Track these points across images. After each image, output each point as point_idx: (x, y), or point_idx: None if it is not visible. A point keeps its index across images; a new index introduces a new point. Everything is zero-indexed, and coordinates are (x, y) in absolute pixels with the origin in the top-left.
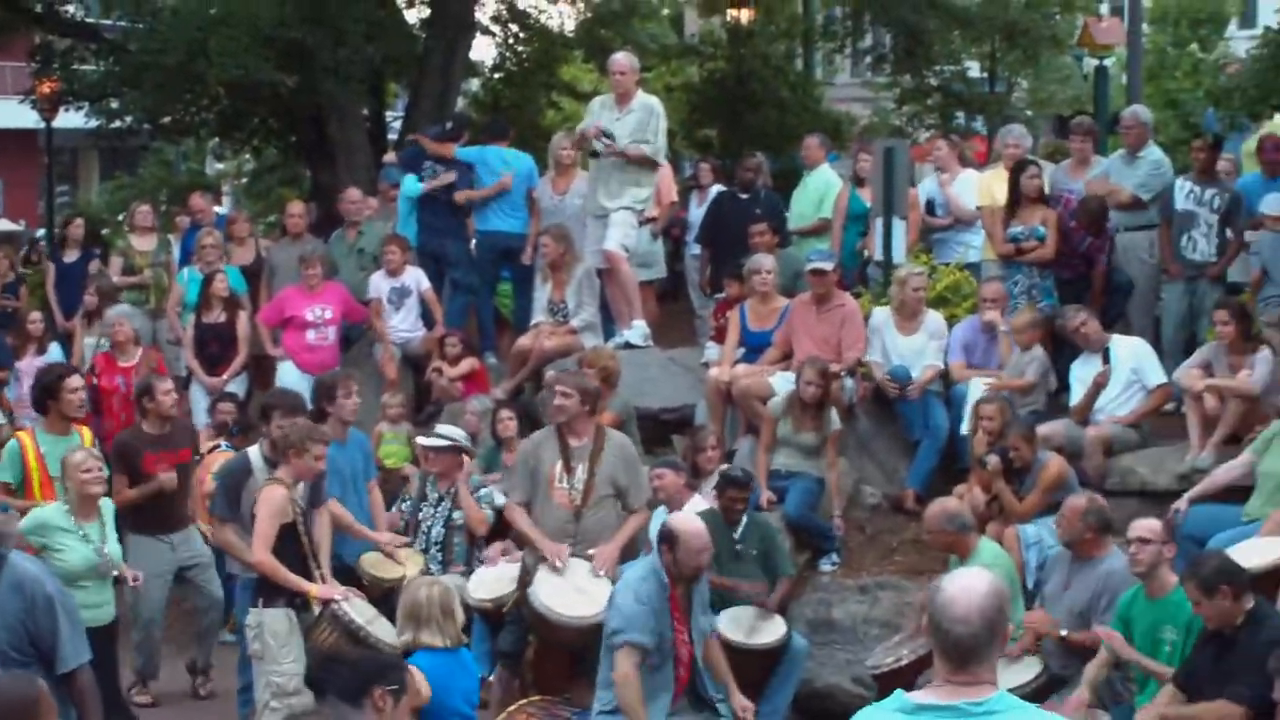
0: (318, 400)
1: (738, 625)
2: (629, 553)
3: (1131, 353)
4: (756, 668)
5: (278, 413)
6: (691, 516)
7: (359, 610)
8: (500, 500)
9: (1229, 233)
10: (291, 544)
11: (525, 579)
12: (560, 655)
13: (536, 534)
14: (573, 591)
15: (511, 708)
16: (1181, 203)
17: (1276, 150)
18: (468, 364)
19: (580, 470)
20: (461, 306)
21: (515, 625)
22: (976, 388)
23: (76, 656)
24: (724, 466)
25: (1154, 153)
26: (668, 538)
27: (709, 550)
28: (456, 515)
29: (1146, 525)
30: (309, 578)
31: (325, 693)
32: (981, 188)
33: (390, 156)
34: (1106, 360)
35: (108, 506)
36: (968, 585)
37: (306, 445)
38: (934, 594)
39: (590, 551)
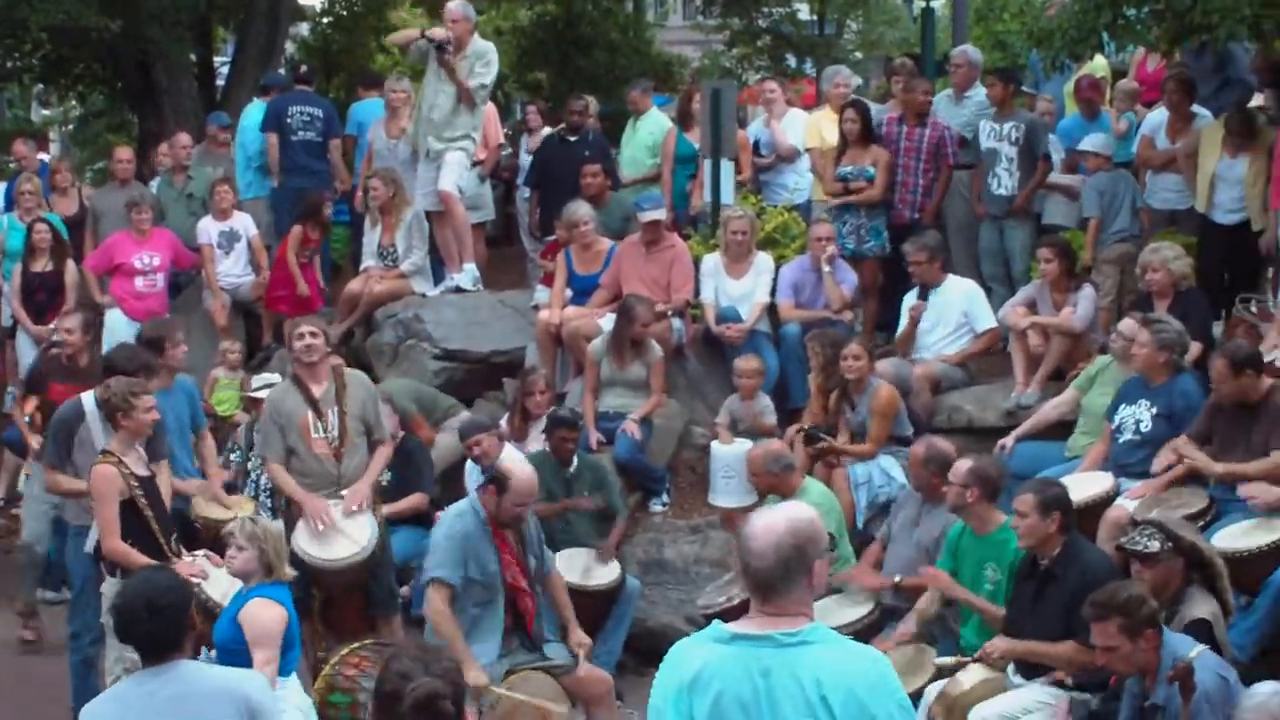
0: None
1: (572, 567)
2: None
3: (963, 295)
4: (591, 609)
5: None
6: (524, 460)
7: (215, 585)
8: None
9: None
10: (134, 520)
11: (290, 528)
12: (345, 600)
13: (301, 494)
14: (333, 533)
15: (343, 651)
16: (985, 142)
17: (1092, 89)
18: None
19: (332, 414)
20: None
21: (299, 577)
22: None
23: None
24: (554, 409)
25: (980, 93)
26: (498, 479)
27: (533, 498)
28: None
29: (955, 468)
30: (159, 552)
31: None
32: (810, 128)
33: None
34: (924, 296)
35: None
36: (769, 522)
37: (130, 401)
38: (741, 530)
39: (343, 493)
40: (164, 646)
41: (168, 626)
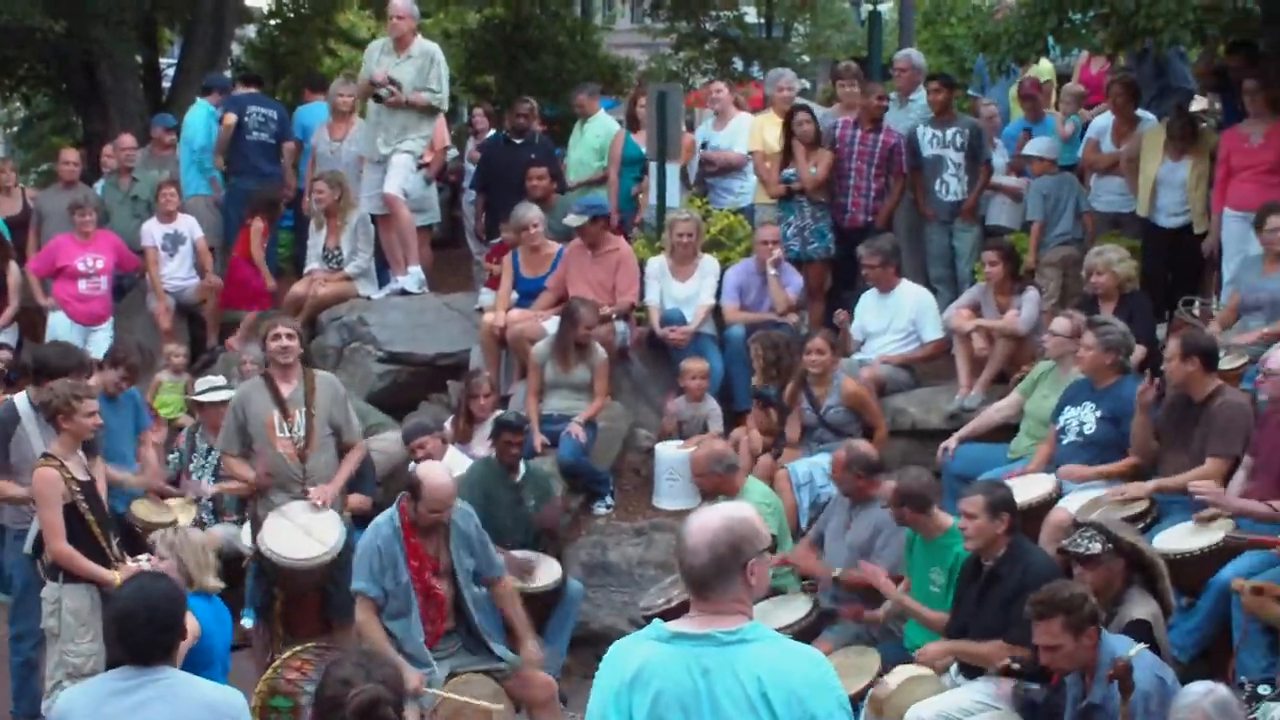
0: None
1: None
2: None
3: (914, 302)
4: (532, 611)
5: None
6: (439, 468)
7: None
8: None
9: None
10: (76, 524)
11: (256, 530)
12: (307, 602)
13: (247, 471)
14: (299, 533)
15: (285, 655)
16: (927, 149)
17: (1035, 88)
18: None
19: (299, 415)
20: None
21: (259, 578)
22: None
23: None
24: (499, 412)
25: (924, 97)
26: (412, 486)
27: (448, 506)
28: None
29: (881, 489)
30: (102, 556)
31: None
32: (753, 132)
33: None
34: (849, 306)
35: None
36: (704, 520)
37: (73, 405)
38: (679, 528)
39: (310, 489)
40: (157, 653)
41: (163, 634)
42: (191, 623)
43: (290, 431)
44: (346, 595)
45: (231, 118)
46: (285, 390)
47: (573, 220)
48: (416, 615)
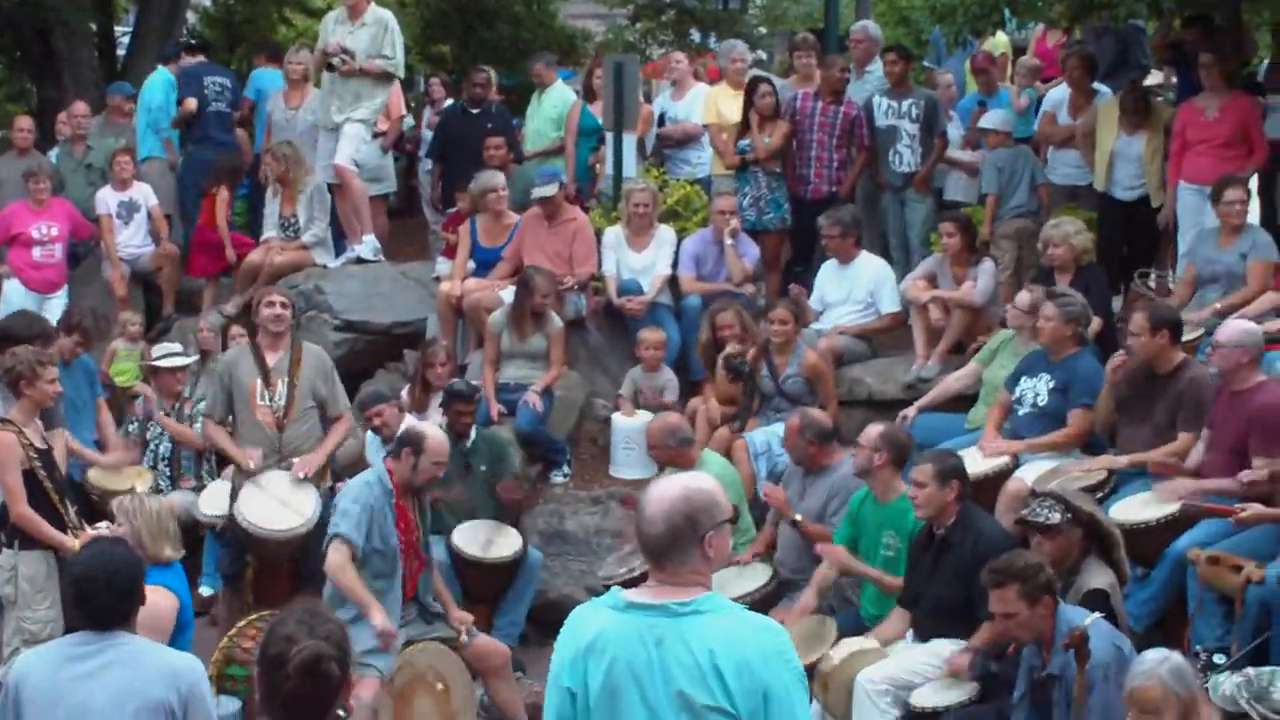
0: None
1: (473, 540)
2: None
3: (874, 274)
4: (493, 581)
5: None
6: (435, 427)
7: None
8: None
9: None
10: (35, 492)
11: (234, 498)
12: (279, 571)
13: (230, 445)
14: (276, 504)
15: (241, 623)
16: (882, 119)
17: (988, 62)
18: None
19: (281, 384)
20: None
21: (231, 546)
22: None
23: None
24: (450, 382)
25: (880, 68)
26: (413, 441)
27: (447, 458)
28: None
29: (865, 431)
30: (59, 523)
31: None
32: (707, 104)
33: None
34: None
35: None
36: (662, 491)
37: (36, 371)
38: (638, 498)
39: (293, 460)
40: (115, 618)
41: (122, 599)
42: (172, 601)
43: (271, 400)
44: (318, 564)
45: (192, 103)
46: (271, 359)
47: (543, 191)
48: (399, 580)
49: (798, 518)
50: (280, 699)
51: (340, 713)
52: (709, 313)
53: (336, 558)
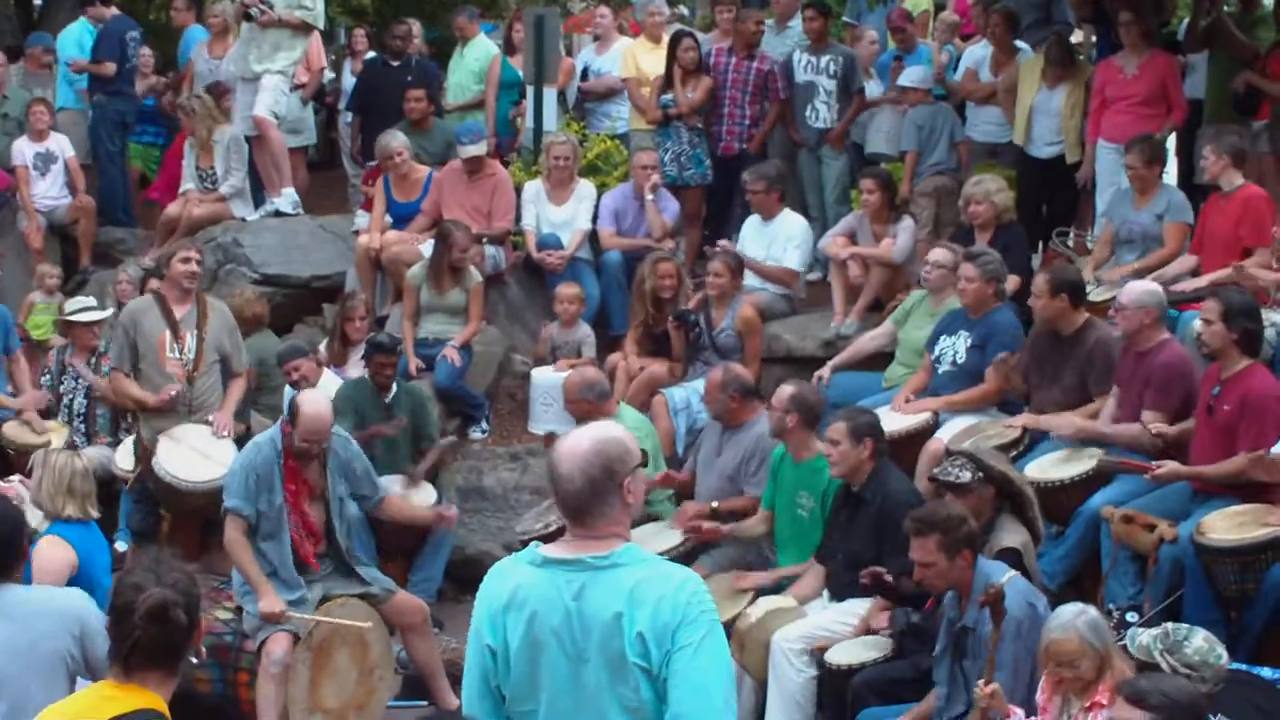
0: None
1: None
2: None
3: (788, 233)
4: (408, 536)
5: None
6: (320, 397)
7: (33, 513)
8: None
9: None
10: None
11: (146, 452)
12: (191, 526)
13: (141, 393)
14: (197, 457)
15: None
16: (800, 75)
17: (904, 19)
18: None
19: (190, 338)
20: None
21: (142, 502)
22: None
23: None
24: (372, 334)
25: (800, 24)
26: (291, 411)
27: (324, 437)
28: None
29: (778, 392)
30: None
31: None
32: (626, 59)
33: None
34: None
35: None
36: (573, 444)
37: None
38: (549, 454)
39: (210, 417)
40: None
41: (4, 550)
42: (68, 553)
43: (180, 353)
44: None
45: (111, 66)
46: (179, 312)
47: (472, 150)
48: (288, 538)
49: (715, 505)
50: (129, 646)
51: (193, 659)
52: (649, 261)
53: (231, 532)
